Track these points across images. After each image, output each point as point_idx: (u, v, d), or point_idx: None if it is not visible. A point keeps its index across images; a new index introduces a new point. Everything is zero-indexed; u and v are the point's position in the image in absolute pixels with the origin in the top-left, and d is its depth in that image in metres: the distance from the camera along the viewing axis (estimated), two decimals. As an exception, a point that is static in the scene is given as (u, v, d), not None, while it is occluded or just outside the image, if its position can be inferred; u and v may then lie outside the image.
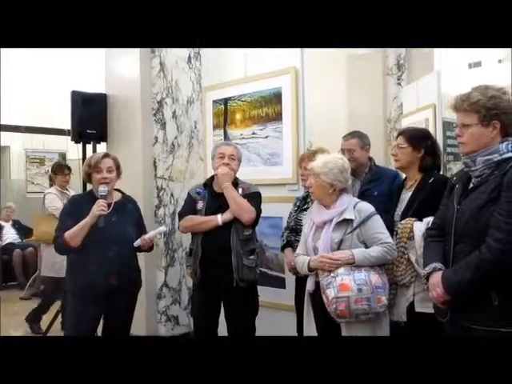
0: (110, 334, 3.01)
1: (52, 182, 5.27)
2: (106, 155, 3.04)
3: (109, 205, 2.93)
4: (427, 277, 2.12)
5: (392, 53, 6.29)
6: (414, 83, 5.59)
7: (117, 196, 3.08)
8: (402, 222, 2.61)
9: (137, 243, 2.97)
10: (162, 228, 3.17)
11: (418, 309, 2.52)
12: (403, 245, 2.57)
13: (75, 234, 2.84)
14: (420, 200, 2.60)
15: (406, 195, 2.72)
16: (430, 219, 2.43)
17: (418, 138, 2.72)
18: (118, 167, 3.05)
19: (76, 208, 2.95)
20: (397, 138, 2.79)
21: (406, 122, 5.38)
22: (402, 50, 6.25)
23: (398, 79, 6.28)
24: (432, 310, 2.22)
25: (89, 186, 3.25)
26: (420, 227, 2.50)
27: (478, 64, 8.23)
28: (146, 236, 3.00)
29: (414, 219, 2.56)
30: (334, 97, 6.17)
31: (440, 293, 2.02)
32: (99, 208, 2.83)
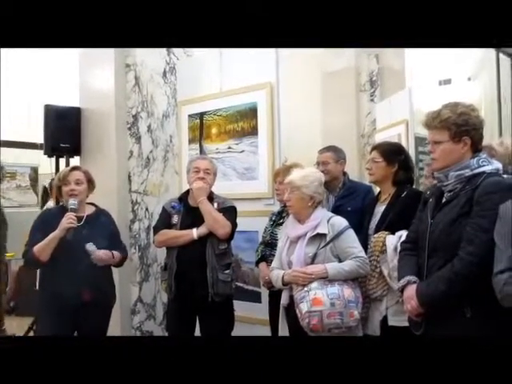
0: None
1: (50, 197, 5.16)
2: (74, 168, 3.06)
3: (81, 218, 2.92)
4: (402, 290, 2.15)
5: (365, 69, 6.39)
6: (386, 100, 5.68)
7: (90, 209, 3.06)
8: (375, 235, 2.64)
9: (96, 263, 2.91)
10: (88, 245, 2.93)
11: (391, 322, 2.54)
12: (375, 258, 2.60)
13: (43, 247, 2.83)
14: (393, 214, 2.63)
15: (379, 209, 2.75)
16: (402, 233, 2.47)
17: (392, 152, 2.76)
18: (89, 180, 3.04)
19: (46, 222, 2.93)
20: (371, 152, 2.83)
21: (380, 137, 5.45)
22: (375, 67, 6.35)
23: (371, 95, 6.37)
24: (405, 324, 2.25)
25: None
26: (392, 241, 2.53)
27: (448, 81, 8.44)
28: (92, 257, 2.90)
29: (386, 233, 2.60)
30: (308, 112, 6.23)
31: (414, 305, 2.04)
32: (68, 221, 2.81)
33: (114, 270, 4.04)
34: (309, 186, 2.69)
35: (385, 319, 2.57)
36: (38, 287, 3.13)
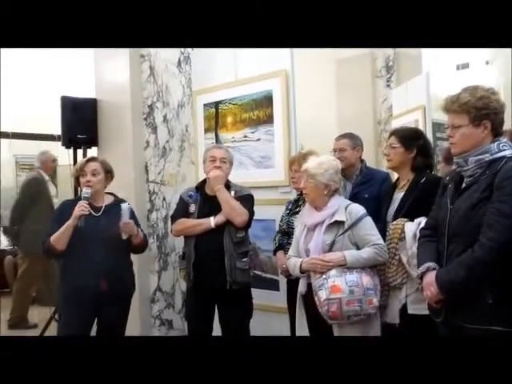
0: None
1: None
2: (90, 159, 3.08)
3: (99, 208, 2.95)
4: (421, 277, 2.13)
5: (381, 55, 6.33)
6: (403, 85, 5.63)
7: (108, 199, 3.08)
8: (394, 222, 2.62)
9: (123, 236, 2.95)
10: (123, 206, 2.98)
11: (410, 311, 2.52)
12: (394, 246, 2.58)
13: (59, 237, 2.88)
14: (412, 200, 2.60)
15: (398, 195, 2.72)
16: (421, 219, 2.45)
17: (410, 138, 2.73)
18: (107, 171, 3.06)
19: (63, 213, 2.97)
20: (389, 137, 2.80)
21: (396, 124, 5.41)
22: (391, 52, 6.29)
23: (388, 81, 6.32)
24: (425, 312, 2.24)
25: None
26: (411, 228, 2.51)
27: (465, 66, 8.32)
28: (120, 222, 2.94)
29: (405, 220, 2.57)
30: (323, 99, 6.20)
31: (434, 292, 2.03)
32: (80, 209, 2.85)
33: (133, 260, 4.10)
34: (324, 174, 2.67)
35: (404, 307, 2.55)
36: (58, 277, 3.17)
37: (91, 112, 4.36)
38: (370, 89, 6.29)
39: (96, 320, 3.02)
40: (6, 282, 6.87)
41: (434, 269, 2.08)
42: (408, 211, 2.59)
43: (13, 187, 8.02)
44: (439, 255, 2.10)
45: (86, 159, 3.08)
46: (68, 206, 3.00)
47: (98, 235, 2.89)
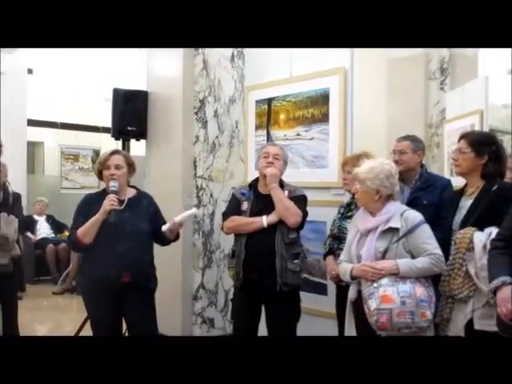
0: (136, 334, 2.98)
1: None
2: (114, 152, 3.05)
3: (122, 201, 2.92)
4: (494, 291, 2.01)
5: (435, 57, 6.12)
6: (459, 88, 5.43)
7: (131, 192, 3.06)
8: (461, 231, 2.47)
9: (164, 227, 2.94)
10: (194, 210, 3.06)
11: (477, 326, 2.35)
12: (461, 256, 2.43)
13: (87, 230, 2.86)
14: (482, 208, 2.45)
15: (465, 203, 2.57)
16: (492, 229, 2.32)
17: (482, 143, 2.56)
18: (129, 164, 3.03)
19: (88, 205, 2.95)
20: (458, 141, 2.65)
21: (449, 128, 5.23)
22: (446, 54, 6.08)
23: (441, 84, 6.11)
24: (494, 328, 2.11)
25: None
26: (481, 238, 2.36)
27: (518, 70, 8.00)
28: (177, 218, 2.94)
29: (473, 229, 2.42)
30: (373, 99, 6.04)
31: (510, 308, 1.90)
32: (109, 203, 2.83)
33: (177, 256, 4.08)
34: (373, 179, 2.55)
35: (470, 322, 2.40)
36: (81, 269, 3.17)
37: (142, 104, 4.36)
38: (423, 91, 6.09)
39: (122, 315, 3.00)
40: (48, 270, 6.99)
41: (510, 283, 1.95)
42: (477, 220, 2.43)
43: (56, 176, 8.16)
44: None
45: (109, 152, 3.04)
46: (93, 199, 2.99)
47: (122, 228, 2.88)
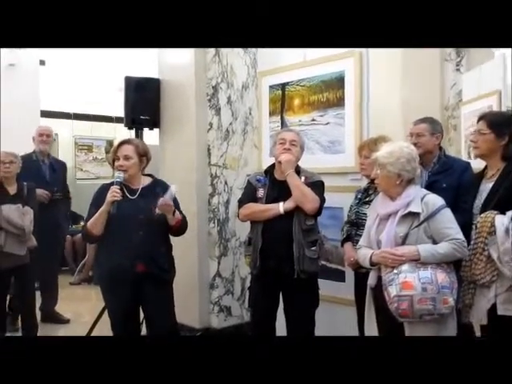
0: (155, 327, 2.98)
1: None
2: (123, 142, 3.02)
3: (135, 190, 2.93)
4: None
5: (451, 37, 5.99)
6: (476, 69, 5.31)
7: (146, 181, 3.03)
8: (482, 215, 2.42)
9: (156, 211, 2.84)
10: (173, 187, 2.91)
11: (500, 311, 2.32)
12: (483, 240, 2.38)
13: (94, 222, 2.87)
14: (503, 191, 2.39)
15: (486, 186, 2.52)
16: (514, 212, 2.26)
17: (502, 124, 2.49)
18: (141, 154, 2.98)
19: (101, 197, 2.94)
20: (477, 122, 2.57)
21: (466, 110, 5.13)
22: (462, 35, 5.95)
23: (457, 65, 5.98)
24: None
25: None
26: (503, 221, 2.31)
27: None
28: (161, 199, 2.83)
29: (495, 212, 2.37)
30: (389, 82, 5.94)
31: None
32: (111, 194, 2.82)
33: (193, 245, 4.05)
34: (394, 163, 2.49)
35: (493, 307, 2.36)
36: (96, 259, 3.17)
37: (154, 92, 4.31)
38: (438, 72, 5.96)
39: (140, 306, 3.00)
40: (65, 261, 7.03)
41: (535, 267, 1.90)
42: (498, 203, 2.38)
43: (71, 167, 8.17)
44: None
45: (118, 143, 3.03)
46: (104, 190, 2.97)
47: (135, 218, 2.86)
